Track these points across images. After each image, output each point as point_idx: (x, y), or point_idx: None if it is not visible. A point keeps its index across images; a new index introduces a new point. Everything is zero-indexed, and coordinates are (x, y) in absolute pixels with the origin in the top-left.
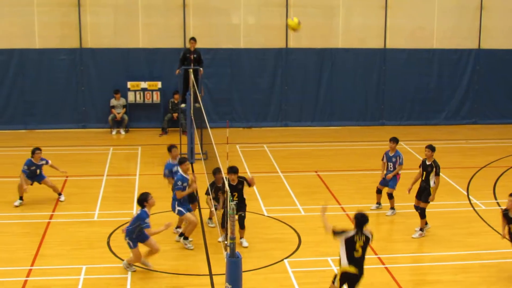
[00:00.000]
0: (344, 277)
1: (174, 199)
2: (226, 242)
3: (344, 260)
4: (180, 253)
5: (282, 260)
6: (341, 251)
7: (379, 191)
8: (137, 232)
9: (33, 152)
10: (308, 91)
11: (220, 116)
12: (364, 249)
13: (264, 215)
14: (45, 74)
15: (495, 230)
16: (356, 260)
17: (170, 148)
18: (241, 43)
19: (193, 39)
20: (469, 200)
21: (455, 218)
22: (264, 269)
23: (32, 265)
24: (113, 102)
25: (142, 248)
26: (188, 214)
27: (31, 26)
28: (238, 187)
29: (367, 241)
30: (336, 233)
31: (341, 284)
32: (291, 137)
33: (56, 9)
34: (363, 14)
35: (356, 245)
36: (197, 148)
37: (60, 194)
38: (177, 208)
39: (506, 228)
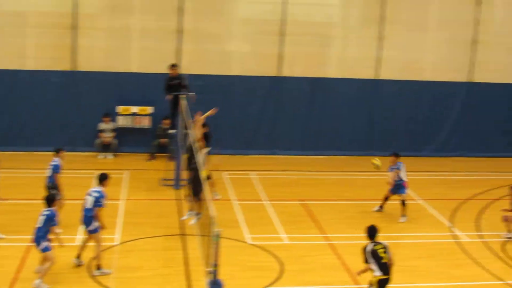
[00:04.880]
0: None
1: (92, 216)
2: (208, 269)
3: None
4: (160, 279)
5: None
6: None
7: (387, 198)
8: None
9: None
10: (298, 119)
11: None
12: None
13: (247, 243)
14: (36, 95)
15: (478, 263)
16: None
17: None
18: (234, 70)
19: (174, 65)
20: (453, 232)
21: (438, 250)
22: None
23: None
24: (101, 126)
25: None
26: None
27: (24, 47)
28: None
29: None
30: (366, 261)
31: None
32: (279, 166)
33: (50, 31)
34: (357, 45)
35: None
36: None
37: None
38: (94, 224)
39: None
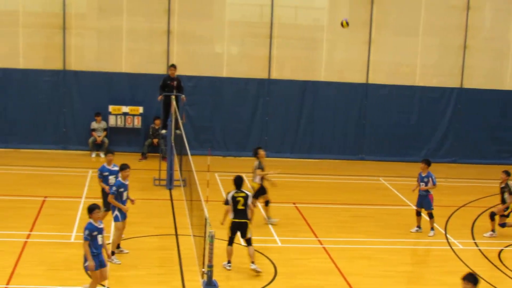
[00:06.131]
0: None
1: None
2: (203, 270)
3: None
4: (155, 278)
5: None
6: None
7: (418, 213)
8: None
9: None
10: (288, 122)
11: (200, 144)
12: None
13: (240, 244)
14: (28, 94)
15: (471, 270)
16: None
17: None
18: (223, 72)
19: (173, 66)
20: (447, 239)
21: (432, 256)
22: None
23: (7, 284)
24: (94, 125)
25: None
26: (120, 223)
27: (16, 47)
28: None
29: None
30: None
31: None
32: (270, 168)
33: (41, 31)
34: (346, 48)
35: None
36: (177, 174)
37: None
38: (116, 212)
39: None
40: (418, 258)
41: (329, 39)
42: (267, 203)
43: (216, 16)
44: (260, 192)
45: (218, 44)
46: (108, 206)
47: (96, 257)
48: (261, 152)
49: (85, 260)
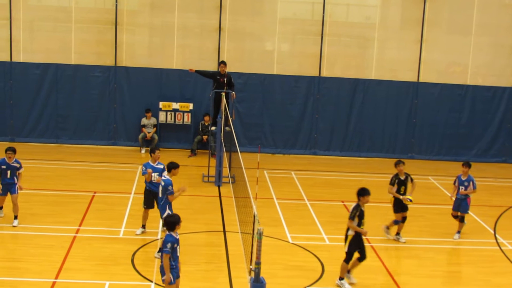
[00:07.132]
0: None
1: (164, 204)
2: (250, 267)
3: None
4: (202, 274)
5: None
6: None
7: (456, 217)
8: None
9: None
10: (338, 120)
11: (249, 141)
12: None
13: (288, 241)
14: (79, 90)
15: None
16: None
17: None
18: (274, 69)
19: (223, 62)
20: (496, 239)
21: (480, 257)
22: None
23: (56, 278)
24: (144, 121)
25: None
26: None
27: (68, 42)
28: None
29: None
30: None
31: None
32: (319, 166)
33: (93, 27)
34: (397, 47)
35: None
36: (225, 171)
37: (16, 217)
38: (167, 211)
39: None
40: (467, 258)
41: (381, 37)
42: (403, 219)
43: (267, 14)
44: (398, 205)
45: (269, 42)
46: (148, 204)
47: (174, 270)
48: (400, 168)
49: (163, 272)
